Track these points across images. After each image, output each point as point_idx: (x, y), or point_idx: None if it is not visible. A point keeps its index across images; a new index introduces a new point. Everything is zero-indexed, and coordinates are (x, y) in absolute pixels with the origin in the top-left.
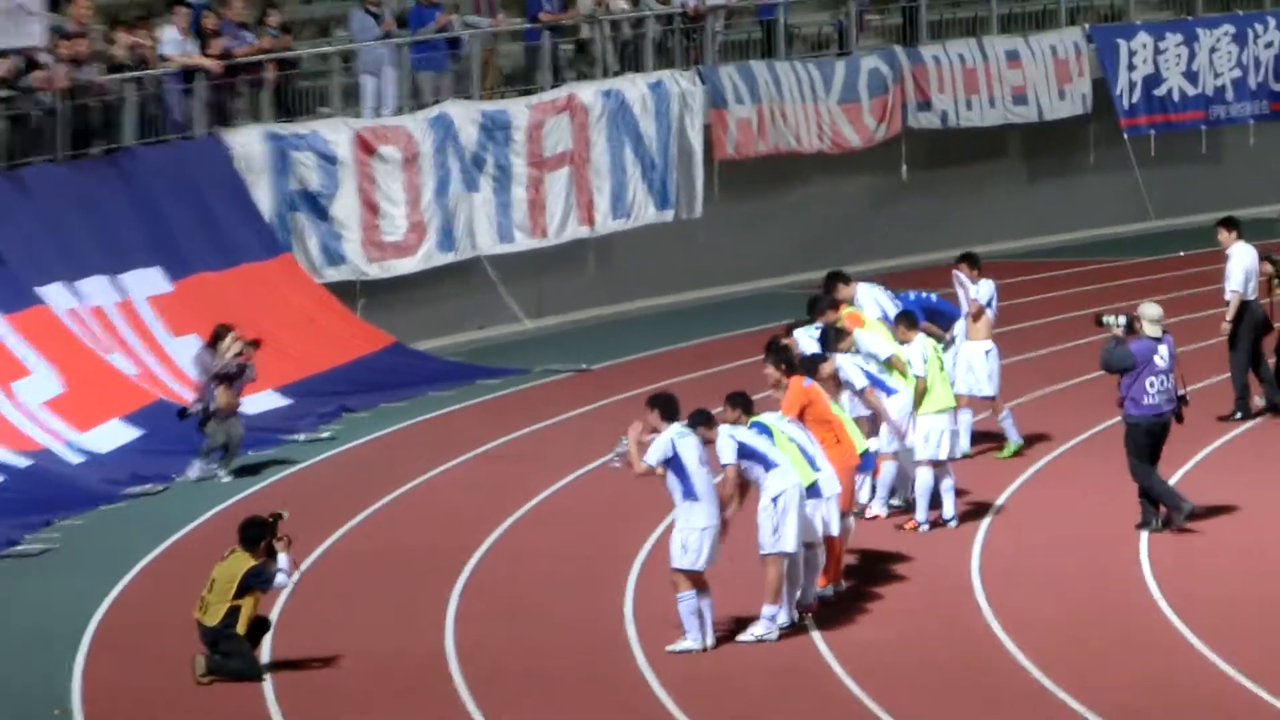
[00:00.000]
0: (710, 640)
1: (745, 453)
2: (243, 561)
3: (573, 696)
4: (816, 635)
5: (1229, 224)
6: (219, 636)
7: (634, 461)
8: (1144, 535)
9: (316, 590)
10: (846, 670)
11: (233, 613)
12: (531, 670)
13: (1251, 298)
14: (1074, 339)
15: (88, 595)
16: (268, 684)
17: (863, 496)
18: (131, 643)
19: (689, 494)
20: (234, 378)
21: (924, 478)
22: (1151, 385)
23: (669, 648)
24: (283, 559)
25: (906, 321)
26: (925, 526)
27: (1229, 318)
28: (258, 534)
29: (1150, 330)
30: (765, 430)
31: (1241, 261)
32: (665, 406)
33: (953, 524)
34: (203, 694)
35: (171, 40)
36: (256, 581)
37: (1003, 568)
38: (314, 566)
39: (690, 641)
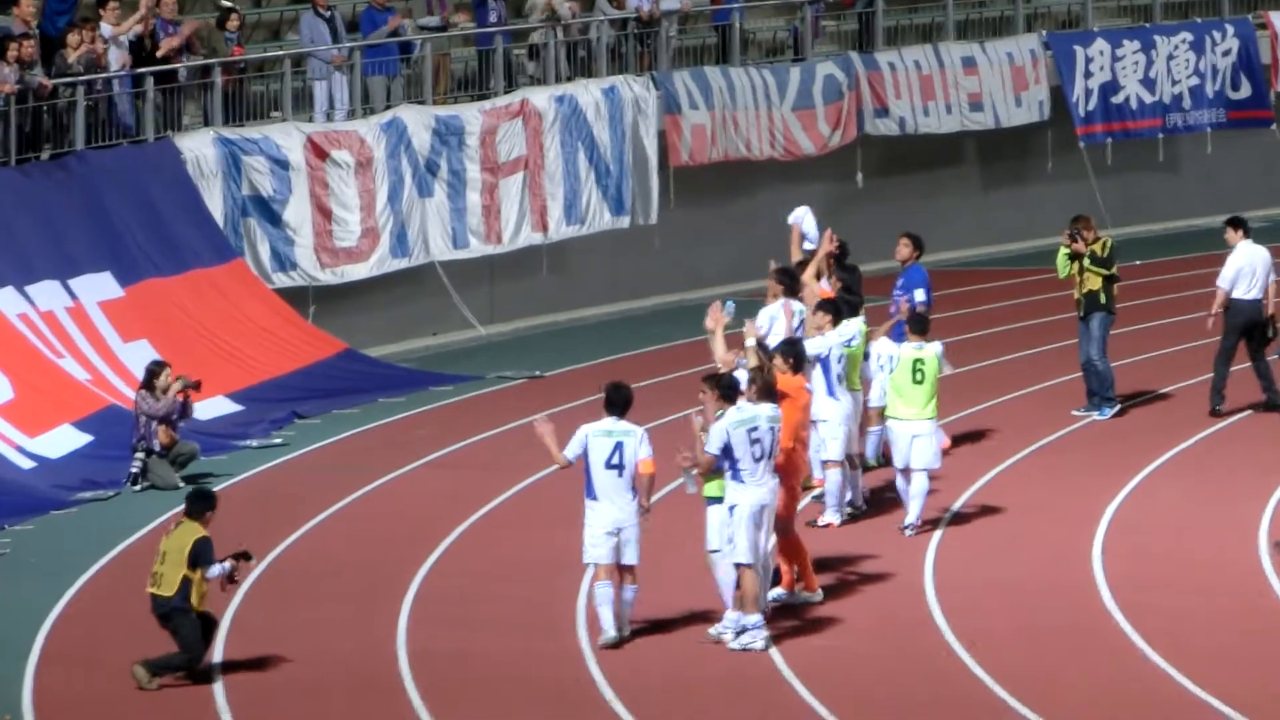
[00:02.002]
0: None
1: (726, 452)
2: (192, 532)
3: (523, 702)
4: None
5: (1235, 223)
6: (173, 610)
7: (699, 456)
8: (1097, 545)
9: (267, 596)
10: (797, 676)
11: (186, 583)
12: (483, 677)
13: (1246, 296)
14: (1024, 349)
15: (38, 602)
16: (218, 688)
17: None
18: (82, 650)
19: (735, 477)
20: (174, 418)
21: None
22: None
23: (733, 644)
24: (228, 564)
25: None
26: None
27: (1213, 309)
28: (204, 505)
29: None
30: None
31: (1237, 260)
32: (725, 386)
33: (908, 532)
34: (152, 700)
35: (113, 39)
36: (206, 551)
37: (956, 576)
38: (265, 572)
39: (759, 642)
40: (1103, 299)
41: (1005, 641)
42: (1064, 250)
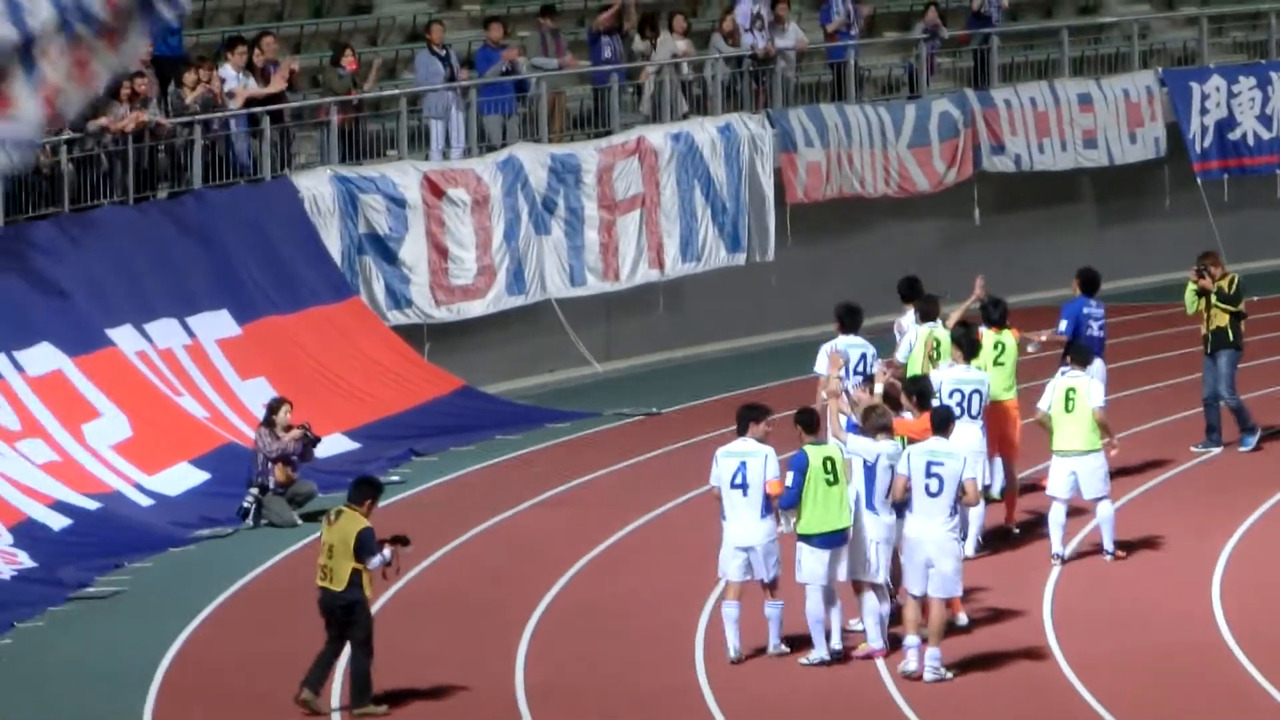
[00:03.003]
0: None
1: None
2: (354, 522)
3: None
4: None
5: None
6: (351, 602)
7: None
8: (1217, 578)
9: (388, 629)
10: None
11: (356, 574)
12: (600, 710)
13: None
14: (1142, 385)
15: (157, 638)
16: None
17: None
18: (200, 685)
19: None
20: (293, 457)
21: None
22: None
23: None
24: (388, 551)
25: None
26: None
27: None
28: (368, 491)
29: None
30: (802, 461)
31: None
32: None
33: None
34: None
35: (233, 78)
36: (369, 541)
37: (1075, 606)
38: (385, 606)
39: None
40: (1230, 335)
41: (1121, 670)
42: (1191, 286)
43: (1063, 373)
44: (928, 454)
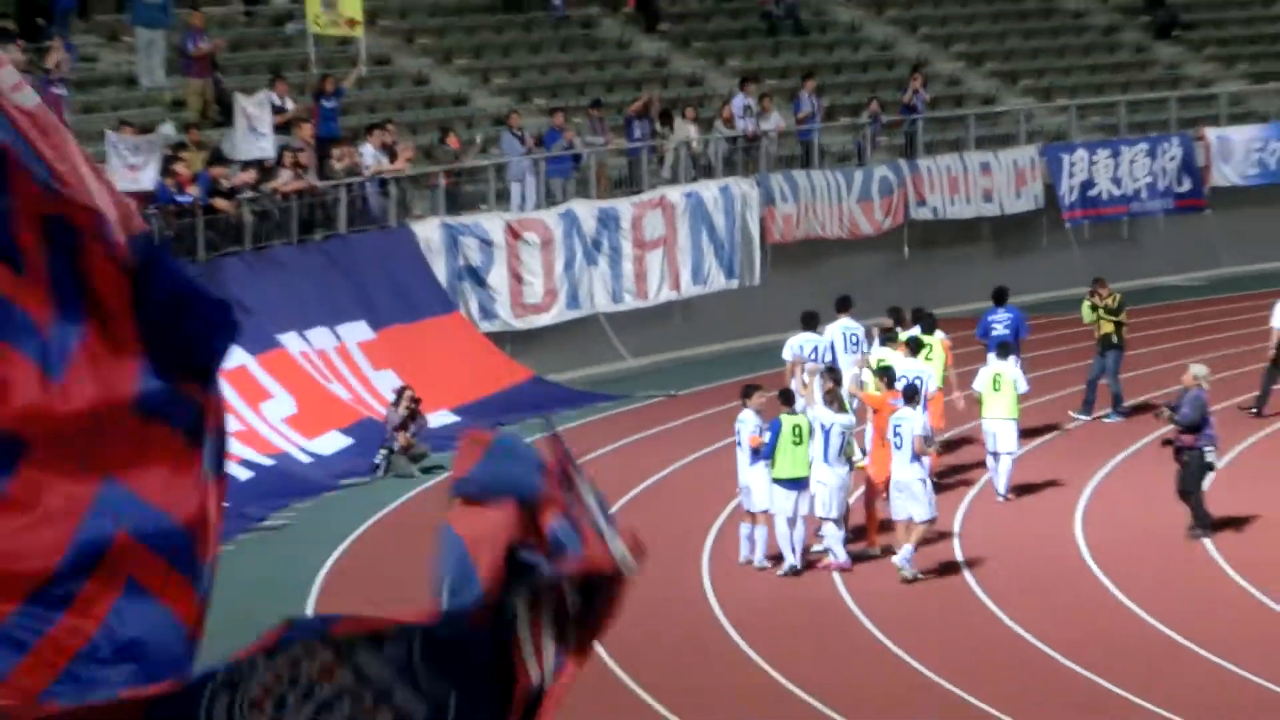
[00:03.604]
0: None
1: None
2: None
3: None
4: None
5: None
6: None
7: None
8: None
9: None
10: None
11: None
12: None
13: None
14: (1034, 371)
15: (315, 557)
16: None
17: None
18: (347, 590)
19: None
20: (409, 424)
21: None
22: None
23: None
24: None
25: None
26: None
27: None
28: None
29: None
30: (777, 425)
31: None
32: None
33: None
34: None
35: (370, 154)
36: None
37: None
38: None
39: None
40: (1115, 339)
41: (1010, 578)
42: (1086, 303)
43: (990, 362)
44: (895, 418)
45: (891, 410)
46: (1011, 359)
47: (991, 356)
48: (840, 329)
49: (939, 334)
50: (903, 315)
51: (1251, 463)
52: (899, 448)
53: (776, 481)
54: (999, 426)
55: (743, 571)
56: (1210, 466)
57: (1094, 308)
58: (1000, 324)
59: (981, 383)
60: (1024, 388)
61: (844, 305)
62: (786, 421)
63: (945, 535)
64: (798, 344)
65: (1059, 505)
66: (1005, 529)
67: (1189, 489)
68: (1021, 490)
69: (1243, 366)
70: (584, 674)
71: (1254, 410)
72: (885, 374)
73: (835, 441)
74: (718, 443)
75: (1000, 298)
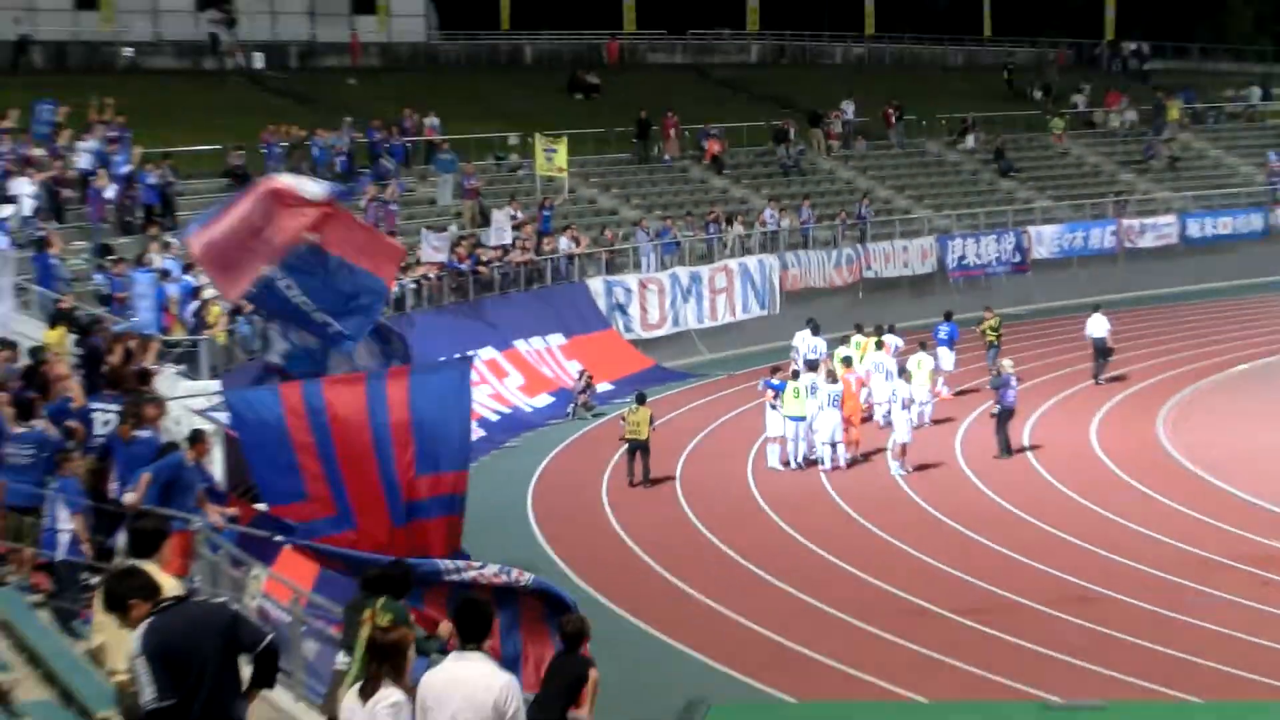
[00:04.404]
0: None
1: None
2: (644, 412)
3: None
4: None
5: (1096, 308)
6: (645, 441)
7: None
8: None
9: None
10: (836, 490)
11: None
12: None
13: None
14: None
15: (532, 465)
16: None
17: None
18: (553, 483)
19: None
20: (586, 390)
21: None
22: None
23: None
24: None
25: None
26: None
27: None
28: (643, 398)
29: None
30: (782, 386)
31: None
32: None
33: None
34: (605, 506)
35: (565, 242)
36: (649, 421)
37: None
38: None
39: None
40: (995, 341)
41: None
42: (983, 322)
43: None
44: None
45: (850, 384)
46: (944, 349)
47: (940, 350)
48: (808, 335)
49: (861, 337)
50: (861, 328)
51: (1052, 415)
52: (835, 403)
53: (787, 418)
54: (919, 389)
55: (768, 472)
56: (1010, 413)
57: (981, 321)
58: (943, 330)
59: (911, 363)
60: (949, 367)
61: (814, 324)
62: (790, 385)
63: (877, 451)
64: (802, 339)
65: (947, 432)
66: (919, 454)
67: (999, 428)
68: (937, 423)
69: (1050, 358)
70: (686, 533)
71: (1095, 380)
72: (846, 362)
73: (832, 398)
74: (754, 401)
75: (948, 316)
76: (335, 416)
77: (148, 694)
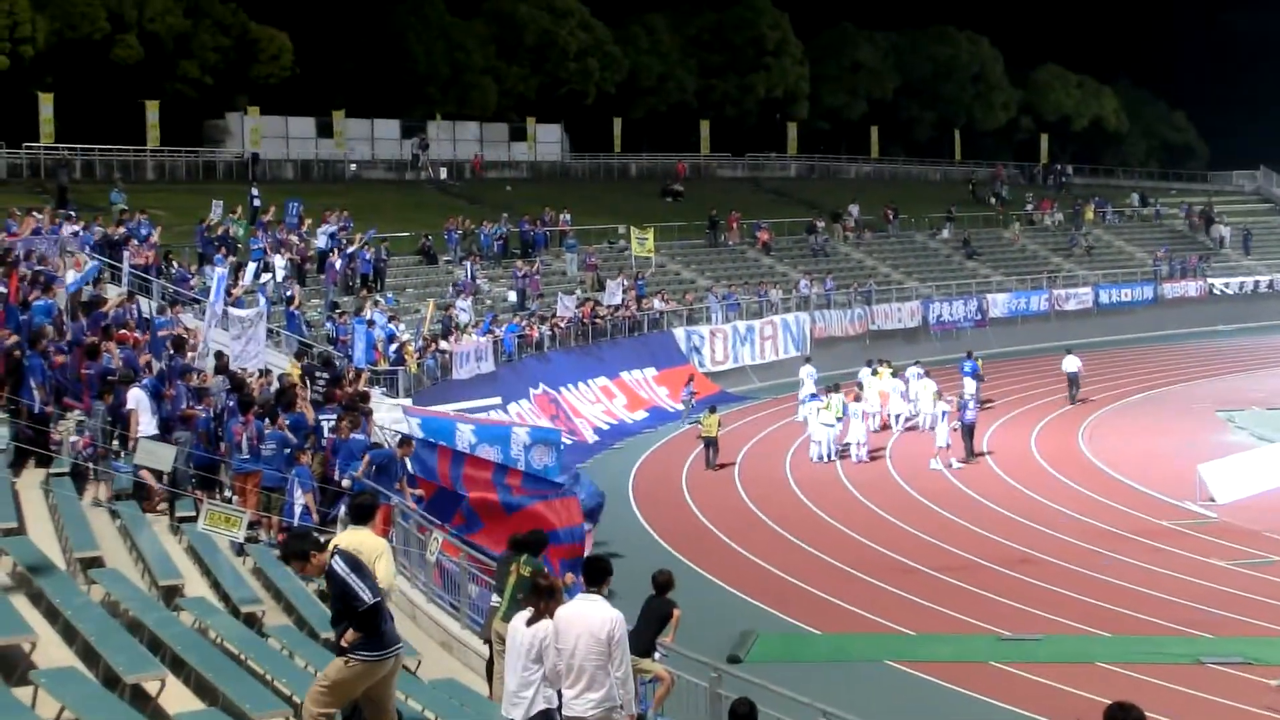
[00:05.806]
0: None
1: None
2: (714, 416)
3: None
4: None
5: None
6: (716, 438)
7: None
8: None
9: (686, 449)
10: (849, 480)
11: (715, 429)
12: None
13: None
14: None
15: (633, 458)
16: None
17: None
18: (651, 474)
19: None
20: (688, 404)
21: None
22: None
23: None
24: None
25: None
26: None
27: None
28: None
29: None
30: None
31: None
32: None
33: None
34: (703, 487)
35: (659, 303)
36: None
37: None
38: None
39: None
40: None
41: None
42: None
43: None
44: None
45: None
46: (969, 379)
47: (965, 380)
48: (813, 369)
49: (881, 368)
50: (870, 362)
51: (1003, 429)
52: (857, 416)
53: (822, 424)
54: (934, 408)
55: (801, 464)
56: (971, 427)
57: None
58: (967, 365)
59: (915, 389)
60: (971, 393)
61: (808, 357)
62: (824, 398)
63: (878, 452)
64: (808, 372)
65: (928, 440)
66: (907, 457)
67: (965, 437)
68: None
69: (1005, 387)
70: (740, 508)
71: (1071, 402)
72: (860, 386)
73: (856, 412)
74: (795, 416)
75: (969, 354)
76: (470, 461)
77: (366, 596)
